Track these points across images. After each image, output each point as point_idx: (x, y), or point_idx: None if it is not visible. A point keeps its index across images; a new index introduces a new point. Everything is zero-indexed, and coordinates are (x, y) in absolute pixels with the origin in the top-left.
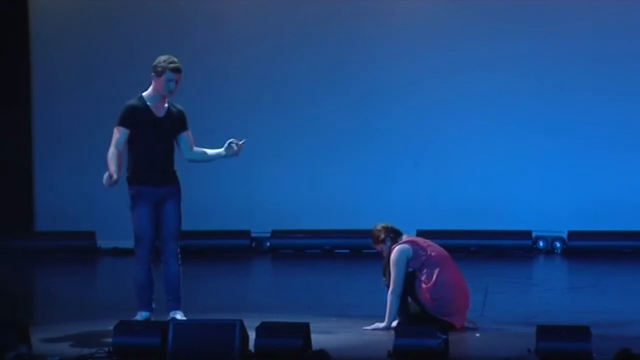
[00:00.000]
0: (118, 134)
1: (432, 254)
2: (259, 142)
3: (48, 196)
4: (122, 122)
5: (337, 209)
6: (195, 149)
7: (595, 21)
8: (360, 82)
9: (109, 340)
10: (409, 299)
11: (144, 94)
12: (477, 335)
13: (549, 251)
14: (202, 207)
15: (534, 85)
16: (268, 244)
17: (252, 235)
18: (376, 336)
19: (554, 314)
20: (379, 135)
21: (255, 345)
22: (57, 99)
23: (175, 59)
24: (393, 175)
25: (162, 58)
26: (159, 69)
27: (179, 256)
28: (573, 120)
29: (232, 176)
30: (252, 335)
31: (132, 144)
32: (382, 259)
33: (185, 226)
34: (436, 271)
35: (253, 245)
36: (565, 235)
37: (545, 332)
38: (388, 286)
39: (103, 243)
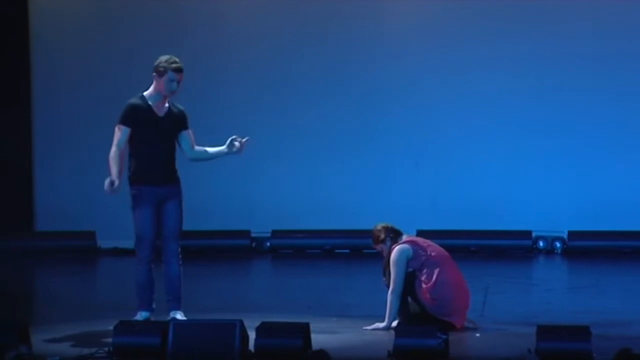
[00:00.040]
0: (119, 133)
1: (432, 254)
2: (259, 142)
3: (48, 196)
4: (124, 121)
5: (337, 209)
6: (197, 147)
7: (595, 21)
8: (360, 82)
9: (109, 340)
10: (409, 299)
11: (145, 93)
12: (477, 335)
13: (549, 251)
14: (202, 207)
15: (534, 85)
16: (268, 244)
17: (252, 235)
18: (376, 336)
19: (554, 314)
20: (379, 135)
21: (255, 345)
22: (57, 99)
23: (177, 59)
24: (393, 175)
25: (164, 58)
26: (161, 69)
27: (180, 256)
28: (573, 120)
29: (232, 176)
30: (252, 335)
31: (133, 143)
32: (382, 259)
33: (185, 226)
34: (436, 271)
35: (253, 245)
36: (565, 235)
37: (545, 332)
38: (388, 286)
39: (103, 243)
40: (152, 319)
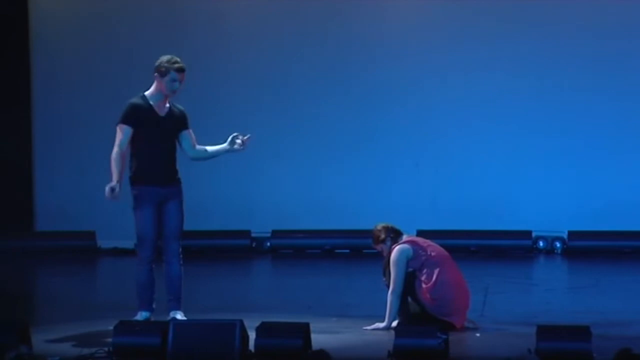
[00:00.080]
0: (121, 133)
1: (432, 254)
2: (259, 142)
3: (48, 196)
4: (126, 120)
5: (337, 209)
6: (198, 147)
7: (595, 21)
8: (360, 82)
9: (109, 340)
10: (409, 299)
11: (146, 93)
12: (477, 335)
13: (549, 251)
14: (202, 207)
15: (534, 85)
16: (268, 244)
17: (253, 235)
18: (376, 336)
19: (554, 314)
20: (379, 135)
21: (256, 345)
22: (57, 99)
23: (178, 59)
24: (393, 175)
25: (165, 58)
26: (163, 69)
27: (181, 256)
28: (573, 120)
29: (232, 176)
30: (252, 335)
31: (134, 143)
32: (382, 259)
33: (186, 226)
34: (436, 271)
35: (253, 245)
36: (565, 235)
37: (545, 332)
38: (388, 286)
39: (103, 243)
40: (152, 319)
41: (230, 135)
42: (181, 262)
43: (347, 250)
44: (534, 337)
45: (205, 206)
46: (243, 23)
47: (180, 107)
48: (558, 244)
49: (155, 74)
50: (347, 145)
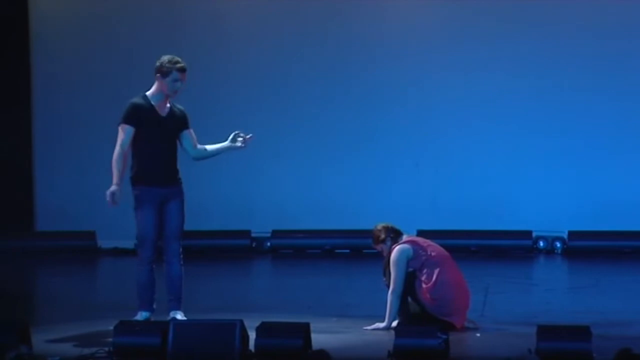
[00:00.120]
0: (123, 133)
1: (433, 254)
2: (259, 142)
3: (48, 196)
4: (127, 120)
5: (337, 209)
6: (199, 146)
7: (595, 21)
8: (360, 82)
9: (110, 340)
10: (409, 299)
11: (148, 93)
12: (478, 335)
13: (549, 251)
14: (203, 207)
15: (534, 85)
16: (268, 244)
17: (253, 235)
18: (376, 336)
19: (554, 314)
20: (379, 135)
21: (256, 345)
22: (57, 99)
23: (180, 59)
24: (393, 175)
25: (166, 58)
26: (165, 69)
27: (182, 256)
28: (573, 120)
29: (232, 176)
30: (252, 335)
31: (135, 143)
32: (382, 259)
33: (186, 226)
34: (436, 271)
35: (253, 245)
36: (565, 235)
37: (545, 332)
38: (388, 286)
39: (103, 243)
40: (152, 319)
41: (231, 133)
42: (182, 262)
43: (347, 250)
44: (534, 337)
45: (206, 206)
46: (243, 23)
47: (181, 107)
48: (558, 244)
49: (157, 74)
50: (347, 145)
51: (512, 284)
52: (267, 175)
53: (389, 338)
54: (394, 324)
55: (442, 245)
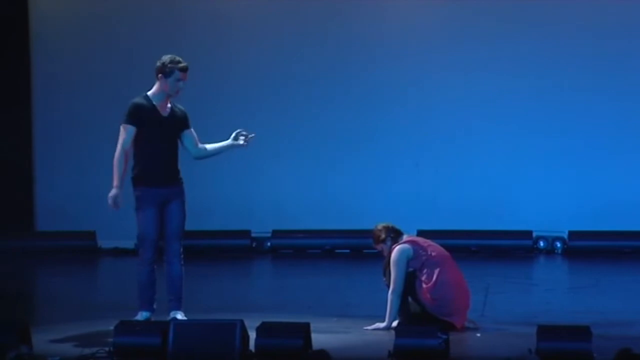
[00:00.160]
0: (125, 133)
1: (433, 253)
2: (259, 142)
3: (48, 196)
4: (129, 120)
5: (337, 209)
6: (200, 145)
7: (595, 21)
8: (360, 82)
9: (110, 340)
10: (410, 299)
11: (149, 93)
12: (478, 335)
13: (550, 251)
14: (203, 207)
15: (534, 85)
16: (268, 244)
17: (253, 235)
18: (377, 336)
19: (555, 314)
20: (379, 135)
21: (256, 345)
22: (57, 99)
23: (181, 59)
24: (393, 175)
25: (168, 58)
26: (167, 69)
27: (182, 256)
28: (573, 120)
29: (232, 176)
30: (252, 335)
31: (137, 143)
32: (382, 258)
33: (186, 226)
34: (436, 271)
35: (253, 245)
36: (565, 235)
37: (545, 332)
38: (388, 286)
39: (103, 243)
40: (153, 319)
41: (228, 138)
42: (182, 262)
43: (348, 250)
44: (534, 337)
45: (206, 206)
46: (243, 23)
47: (181, 107)
48: (558, 244)
49: (159, 74)
50: (347, 145)
51: (513, 284)
52: (267, 175)
53: (389, 338)
54: (394, 324)
55: (442, 245)
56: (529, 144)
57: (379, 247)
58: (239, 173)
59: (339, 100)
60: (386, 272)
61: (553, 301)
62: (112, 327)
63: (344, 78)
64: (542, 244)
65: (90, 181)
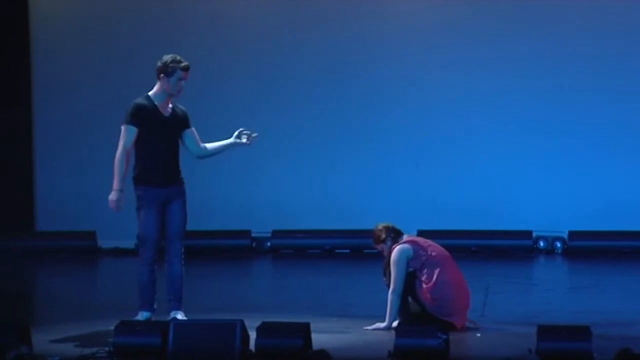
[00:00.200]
0: (126, 134)
1: (433, 253)
2: (259, 142)
3: (48, 196)
4: (131, 121)
5: (337, 209)
6: (201, 144)
7: (595, 21)
8: (360, 82)
9: (110, 340)
10: (410, 299)
11: (150, 93)
12: (478, 335)
13: (550, 251)
14: (203, 207)
15: (534, 85)
16: (268, 244)
17: (253, 235)
18: (377, 336)
19: (555, 314)
20: (379, 135)
21: (256, 345)
22: (57, 99)
23: (181, 58)
24: (393, 175)
25: (169, 58)
26: (169, 69)
27: (183, 256)
28: (573, 120)
29: (232, 176)
30: (252, 335)
31: (138, 143)
32: (382, 258)
33: (186, 226)
34: (437, 271)
35: (253, 245)
36: (565, 235)
37: (545, 332)
38: (388, 286)
39: (103, 243)
40: (153, 318)
41: (228, 138)
42: (183, 262)
43: (348, 250)
44: (534, 337)
45: (206, 206)
46: (243, 23)
47: (182, 107)
48: (558, 244)
49: (161, 74)
50: (347, 145)
51: (513, 284)
52: (267, 175)
53: (389, 338)
54: (395, 324)
55: (442, 245)
56: (529, 144)
57: (379, 247)
58: (239, 173)
59: (339, 100)
60: (386, 272)
61: (553, 301)
62: (112, 327)
63: (344, 78)
64: (542, 244)
65: (90, 181)
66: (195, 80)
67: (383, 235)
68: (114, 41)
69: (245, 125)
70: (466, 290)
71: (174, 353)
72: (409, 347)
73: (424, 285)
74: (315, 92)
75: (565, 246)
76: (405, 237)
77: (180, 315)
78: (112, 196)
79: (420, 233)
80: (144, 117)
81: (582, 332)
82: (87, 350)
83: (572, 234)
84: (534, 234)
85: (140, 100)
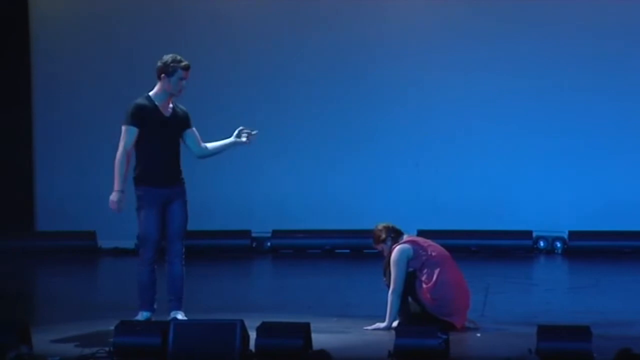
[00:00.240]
0: (127, 134)
1: (433, 253)
2: (259, 142)
3: (48, 196)
4: (132, 121)
5: (337, 209)
6: (202, 144)
7: (595, 21)
8: (360, 82)
9: (110, 340)
10: (410, 299)
11: (151, 93)
12: (478, 335)
13: (550, 251)
14: (203, 207)
15: (534, 85)
16: (269, 244)
17: (253, 235)
18: (377, 336)
19: (555, 314)
20: (379, 135)
21: (256, 345)
22: (57, 99)
23: (182, 57)
24: (394, 175)
25: (170, 58)
26: (170, 68)
27: (184, 256)
28: (573, 120)
29: (232, 176)
30: (252, 335)
31: (139, 144)
32: (382, 258)
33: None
34: (437, 271)
35: (254, 245)
36: (565, 235)
37: (545, 332)
38: (388, 286)
39: (103, 243)
40: (153, 318)
41: (228, 138)
42: (183, 262)
43: (348, 250)
44: (534, 337)
45: (206, 206)
46: (243, 23)
47: (183, 107)
48: (558, 244)
49: (161, 74)
50: (347, 145)
51: (513, 284)
52: (267, 175)
53: (389, 338)
54: (395, 324)
55: (442, 245)
56: (529, 144)
57: (379, 247)
58: (240, 173)
59: (339, 100)
60: (386, 272)
61: (553, 301)
62: (112, 327)
63: (344, 78)
64: (542, 244)
65: (90, 181)
66: (195, 80)
67: (383, 235)
68: (114, 41)
69: (246, 125)
70: (466, 290)
71: (174, 353)
72: (409, 347)
73: (424, 285)
74: (315, 92)
75: (565, 246)
76: (405, 237)
77: (180, 315)
78: (113, 197)
79: (420, 233)
80: (145, 117)
81: (582, 332)
82: (87, 350)
83: (572, 234)
84: (534, 234)
85: (140, 100)
